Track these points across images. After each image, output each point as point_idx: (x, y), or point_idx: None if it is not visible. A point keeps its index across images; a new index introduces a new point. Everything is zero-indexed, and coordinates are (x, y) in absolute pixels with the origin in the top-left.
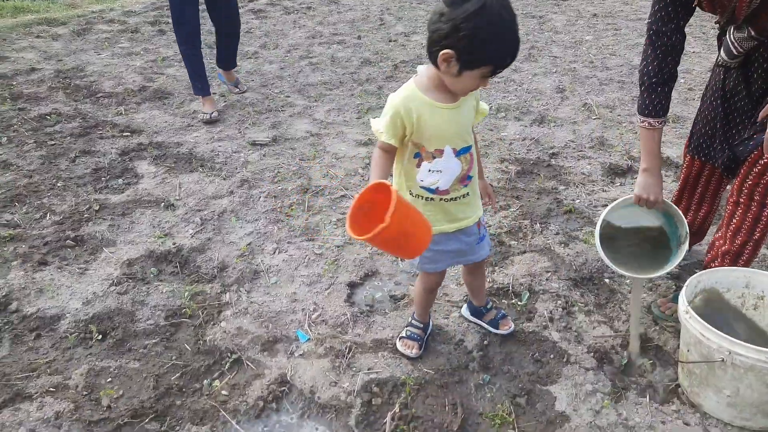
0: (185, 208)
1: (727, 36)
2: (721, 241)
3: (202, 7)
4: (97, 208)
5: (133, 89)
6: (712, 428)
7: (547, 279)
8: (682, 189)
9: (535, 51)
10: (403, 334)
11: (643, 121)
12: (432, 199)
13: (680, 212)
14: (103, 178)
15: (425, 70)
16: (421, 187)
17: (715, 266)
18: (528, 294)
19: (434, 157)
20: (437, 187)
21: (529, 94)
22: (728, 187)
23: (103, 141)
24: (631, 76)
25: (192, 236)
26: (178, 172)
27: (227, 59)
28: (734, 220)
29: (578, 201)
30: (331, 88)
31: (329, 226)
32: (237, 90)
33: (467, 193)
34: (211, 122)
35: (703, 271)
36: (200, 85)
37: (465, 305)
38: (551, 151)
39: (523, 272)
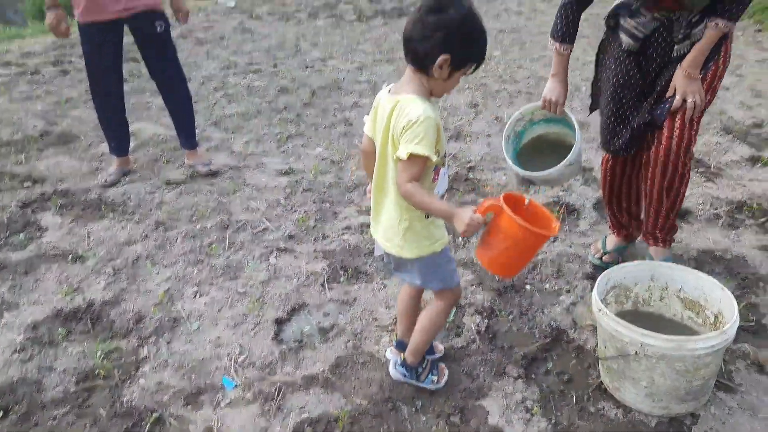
0: (95, 258)
1: (624, 24)
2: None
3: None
4: None
5: (34, 135)
6: (635, 421)
7: (472, 292)
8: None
9: None
10: (427, 384)
11: (552, 44)
12: None
13: (574, 119)
14: (2, 236)
15: (410, 79)
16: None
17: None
18: (455, 310)
19: (445, 160)
20: (442, 193)
21: (445, 111)
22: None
23: (1, 194)
24: (537, 88)
25: (104, 288)
26: (87, 221)
27: (182, 132)
28: (665, 180)
29: None
30: (249, 118)
31: (252, 262)
32: (207, 170)
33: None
34: (106, 186)
35: (612, 268)
36: (114, 144)
37: (390, 352)
38: (468, 165)
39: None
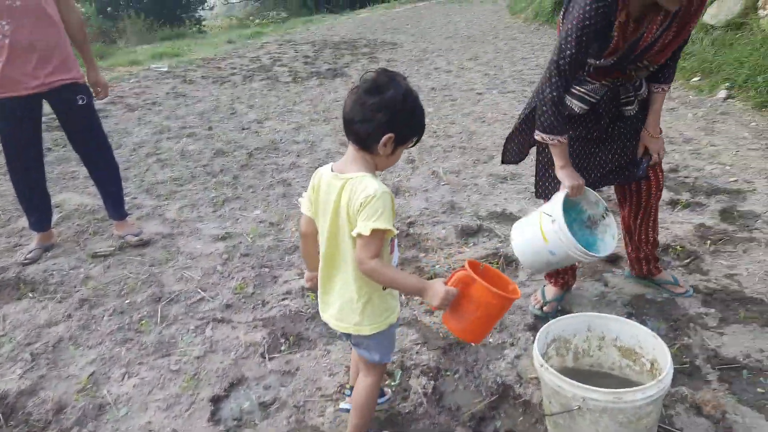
0: (11, 344)
1: (575, 92)
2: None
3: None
4: None
5: None
6: None
7: (417, 352)
8: None
9: None
10: None
11: (553, 140)
12: None
13: (593, 191)
14: None
15: (354, 157)
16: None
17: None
18: (401, 372)
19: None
20: (397, 262)
21: None
22: None
23: None
24: (470, 142)
25: (20, 377)
26: (3, 302)
27: (109, 202)
28: (655, 215)
29: (438, 266)
30: (183, 183)
31: (186, 336)
32: (137, 240)
33: None
34: (26, 264)
35: (550, 322)
36: (35, 219)
37: (344, 402)
38: (408, 221)
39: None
